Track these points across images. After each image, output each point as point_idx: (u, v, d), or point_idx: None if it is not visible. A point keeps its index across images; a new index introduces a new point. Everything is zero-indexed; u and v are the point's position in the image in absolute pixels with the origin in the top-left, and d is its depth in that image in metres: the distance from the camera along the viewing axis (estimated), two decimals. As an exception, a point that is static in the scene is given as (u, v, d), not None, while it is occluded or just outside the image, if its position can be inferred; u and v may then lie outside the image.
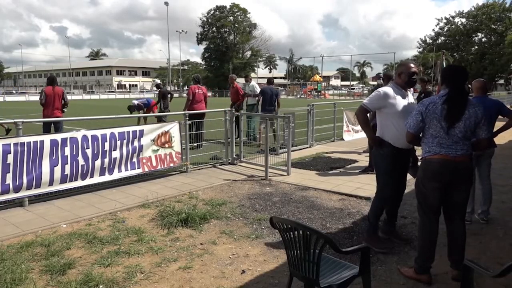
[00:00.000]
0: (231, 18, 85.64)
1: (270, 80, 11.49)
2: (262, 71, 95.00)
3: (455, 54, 67.65)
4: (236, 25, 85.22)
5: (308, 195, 5.77)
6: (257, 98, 10.72)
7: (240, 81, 13.61)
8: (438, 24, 71.34)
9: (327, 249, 2.42)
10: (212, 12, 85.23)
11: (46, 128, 9.09)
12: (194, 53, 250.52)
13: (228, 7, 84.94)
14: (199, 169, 7.48)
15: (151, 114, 13.96)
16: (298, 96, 60.20)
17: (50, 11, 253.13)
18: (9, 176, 4.95)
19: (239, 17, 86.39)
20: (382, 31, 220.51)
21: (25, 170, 5.09)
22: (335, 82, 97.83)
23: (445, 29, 70.56)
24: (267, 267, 3.52)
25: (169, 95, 13.15)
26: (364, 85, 75.55)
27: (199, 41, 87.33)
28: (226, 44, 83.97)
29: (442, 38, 71.08)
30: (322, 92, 61.17)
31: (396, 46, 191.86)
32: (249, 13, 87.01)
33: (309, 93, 60.75)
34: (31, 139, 5.18)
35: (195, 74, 12.21)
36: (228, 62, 78.91)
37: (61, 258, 3.61)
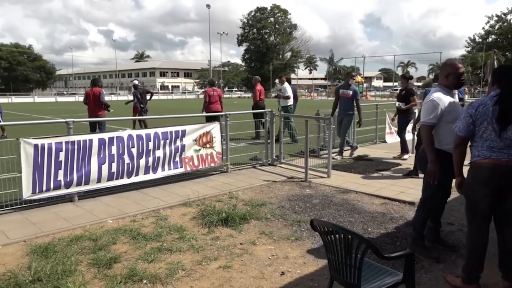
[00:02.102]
0: (272, 19, 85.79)
1: (288, 80, 11.85)
2: (302, 72, 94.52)
3: (507, 53, 64.13)
4: (277, 26, 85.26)
5: (349, 198, 5.68)
6: (288, 99, 11.11)
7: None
8: (488, 22, 67.98)
9: (369, 254, 2.37)
10: (252, 14, 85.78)
11: (92, 127, 9.60)
12: (234, 55, 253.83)
13: (268, 8, 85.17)
14: (239, 169, 7.55)
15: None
16: (339, 97, 59.25)
17: (97, 15, 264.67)
18: (60, 173, 5.22)
19: (280, 18, 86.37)
20: (427, 30, 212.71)
21: (75, 167, 5.34)
22: (377, 83, 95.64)
23: (496, 27, 67.09)
24: (306, 270, 3.50)
25: (148, 95, 13.12)
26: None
27: (240, 43, 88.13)
28: (267, 45, 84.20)
29: (493, 36, 67.64)
30: (364, 93, 59.99)
31: (442, 45, 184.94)
32: (289, 14, 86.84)
33: (350, 94, 59.72)
34: (81, 138, 5.44)
35: (210, 78, 12.89)
36: (268, 63, 79.10)
37: (107, 252, 3.76)
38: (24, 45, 79.82)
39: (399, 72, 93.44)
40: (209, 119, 8.94)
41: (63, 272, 3.29)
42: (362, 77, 67.46)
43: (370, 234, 4.31)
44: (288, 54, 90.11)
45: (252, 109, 11.72)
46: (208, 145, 6.99)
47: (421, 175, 5.10)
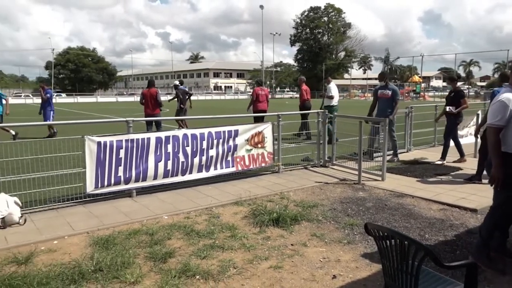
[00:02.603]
0: (325, 18, 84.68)
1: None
2: (356, 72, 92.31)
3: None
4: (330, 26, 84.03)
5: (404, 202, 5.47)
6: (332, 99, 11.23)
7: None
8: None
9: (427, 261, 2.27)
10: (306, 14, 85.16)
11: (148, 125, 10.10)
12: (286, 55, 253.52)
13: (322, 7, 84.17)
14: (290, 170, 7.53)
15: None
16: (394, 98, 57.31)
17: (156, 19, 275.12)
18: (120, 169, 5.49)
19: (334, 17, 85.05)
20: (493, 26, 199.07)
21: (134, 164, 5.60)
22: (436, 83, 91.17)
23: None
24: (359, 275, 3.42)
25: (187, 96, 13.13)
26: (470, 86, 69.23)
27: (292, 43, 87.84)
28: (320, 45, 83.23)
29: None
30: (421, 93, 57.49)
31: (510, 43, 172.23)
32: (343, 13, 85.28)
33: (406, 94, 57.51)
34: (139, 136, 5.69)
35: (257, 78, 13.22)
36: (321, 63, 78.13)
37: (162, 247, 3.90)
38: (89, 48, 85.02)
39: (461, 71, 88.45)
40: (256, 120, 9.34)
41: (122, 264, 3.46)
42: (419, 77, 64.69)
43: (428, 241, 4.12)
44: (342, 54, 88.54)
45: (300, 110, 11.81)
46: (259, 145, 7.04)
47: (485, 181, 4.80)
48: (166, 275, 3.31)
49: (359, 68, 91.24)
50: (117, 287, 3.15)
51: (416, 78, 63.27)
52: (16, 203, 4.62)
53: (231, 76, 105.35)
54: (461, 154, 8.12)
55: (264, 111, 11.04)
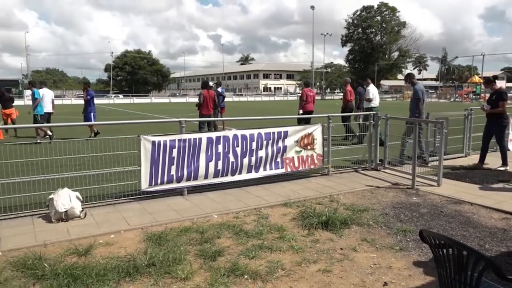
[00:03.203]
0: (378, 18, 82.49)
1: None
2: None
3: None
4: (384, 25, 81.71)
5: (462, 209, 5.19)
6: (370, 101, 11.20)
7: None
8: None
9: (487, 273, 2.13)
10: (358, 13, 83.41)
11: (202, 126, 10.42)
12: (337, 56, 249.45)
13: (375, 6, 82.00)
14: (340, 172, 7.40)
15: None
16: (452, 100, 54.63)
17: (207, 21, 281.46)
18: (173, 168, 5.67)
19: (387, 16, 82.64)
20: None
21: (186, 164, 5.76)
22: (499, 83, 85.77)
23: None
24: (412, 283, 3.29)
25: (220, 97, 13.34)
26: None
27: (344, 43, 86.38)
28: (372, 45, 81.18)
29: None
30: (482, 95, 54.24)
31: None
32: (398, 11, 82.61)
33: (465, 96, 54.56)
34: (191, 136, 5.85)
35: (305, 79, 13.42)
36: (373, 64, 76.17)
37: (212, 245, 3.97)
38: (144, 51, 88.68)
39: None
40: (301, 121, 9.81)
41: (174, 260, 3.57)
42: (480, 77, 61.06)
43: (488, 252, 3.88)
44: (395, 54, 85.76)
45: (342, 111, 11.95)
46: (309, 147, 6.98)
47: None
48: (216, 273, 3.37)
49: (414, 68, 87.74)
50: (168, 282, 3.26)
51: (476, 78, 59.80)
52: (77, 197, 4.91)
53: (280, 78, 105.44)
54: (504, 160, 7.65)
55: (311, 112, 11.40)
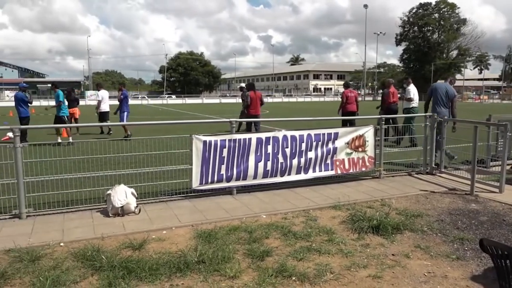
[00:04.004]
0: (436, 15, 78.94)
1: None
2: (470, 72, 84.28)
3: None
4: (442, 23, 78.09)
5: (527, 219, 4.83)
6: (411, 101, 11.00)
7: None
8: None
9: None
10: (414, 11, 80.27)
11: (249, 126, 10.57)
12: (391, 55, 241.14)
13: (433, 3, 78.53)
14: (392, 176, 7.16)
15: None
16: (517, 101, 51.11)
17: (258, 23, 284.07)
18: (223, 168, 5.76)
19: (446, 13, 78.86)
20: None
21: (236, 163, 5.83)
22: None
23: None
24: (470, 295, 3.11)
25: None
26: None
27: (398, 42, 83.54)
28: (429, 43, 77.85)
29: None
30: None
31: None
32: (457, 8, 78.51)
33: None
34: (242, 136, 5.91)
35: (345, 81, 13.30)
36: (430, 63, 72.96)
37: (260, 245, 3.99)
38: (197, 53, 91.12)
39: None
40: (345, 123, 9.97)
41: (222, 258, 3.62)
42: (550, 76, 56.61)
43: (557, 265, 3.58)
44: (454, 53, 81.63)
45: (384, 112, 11.67)
46: (360, 149, 6.82)
47: None
48: (264, 273, 3.38)
49: (474, 68, 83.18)
50: (217, 279, 3.31)
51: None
52: (133, 194, 5.12)
53: (331, 78, 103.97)
54: None
55: (354, 113, 11.43)
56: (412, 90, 11.21)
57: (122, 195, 4.99)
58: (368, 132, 6.85)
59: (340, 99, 12.45)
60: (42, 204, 5.13)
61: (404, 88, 11.95)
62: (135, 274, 3.33)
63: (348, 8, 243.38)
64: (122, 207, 4.93)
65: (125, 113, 13.13)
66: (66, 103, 12.71)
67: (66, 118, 12.36)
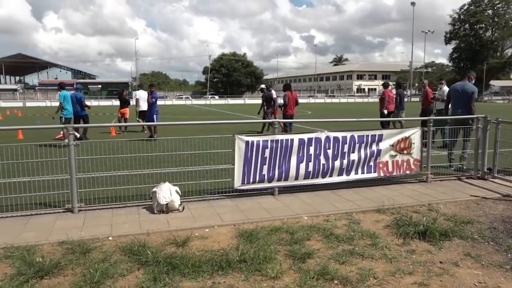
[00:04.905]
0: (490, 11, 74.93)
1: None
2: (527, 72, 79.35)
3: None
4: (496, 19, 74.00)
5: None
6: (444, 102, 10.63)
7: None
8: None
9: None
10: (465, 7, 76.71)
11: (284, 126, 10.72)
12: (439, 54, 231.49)
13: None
14: (440, 180, 6.88)
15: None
16: None
17: (300, 23, 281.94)
18: (265, 168, 5.78)
19: (501, 9, 74.68)
20: None
21: (277, 164, 5.83)
22: None
23: None
24: (525, 308, 2.93)
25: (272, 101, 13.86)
26: None
27: (447, 41, 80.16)
28: (481, 42, 74.08)
29: None
30: None
31: None
32: (514, 3, 74.01)
33: None
34: (284, 137, 5.90)
35: (385, 81, 13.34)
36: (482, 63, 69.44)
37: (302, 247, 3.96)
38: (239, 54, 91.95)
39: None
40: (384, 124, 10.27)
41: (264, 258, 3.63)
42: None
43: None
44: (509, 51, 77.16)
45: (421, 114, 11.73)
46: (405, 151, 6.61)
47: None
48: (305, 275, 3.35)
49: (532, 67, 78.14)
50: (258, 279, 3.32)
51: None
52: (177, 192, 5.26)
53: (375, 78, 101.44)
54: None
55: (391, 113, 11.83)
56: (447, 91, 10.87)
57: (167, 192, 5.13)
58: (414, 134, 6.62)
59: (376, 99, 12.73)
60: (92, 199, 5.39)
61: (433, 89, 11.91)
62: (179, 270, 3.42)
63: (393, 6, 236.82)
64: (166, 204, 5.07)
65: (155, 115, 13.13)
66: (69, 107, 11.79)
67: (64, 120, 11.52)
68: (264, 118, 13.76)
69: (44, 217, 4.91)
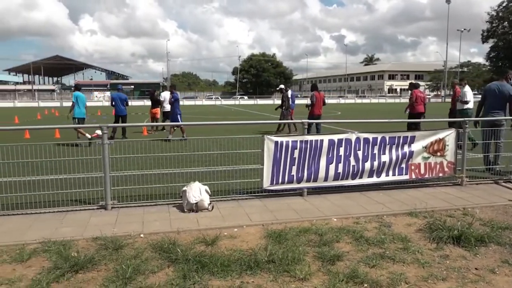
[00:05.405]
0: (531, 7, 71.58)
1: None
2: None
3: None
4: (538, 16, 70.66)
5: None
6: (465, 104, 10.60)
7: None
8: None
9: None
10: (504, 4, 73.64)
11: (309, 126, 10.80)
12: (475, 53, 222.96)
13: (527, -5, 71.39)
14: (476, 183, 6.64)
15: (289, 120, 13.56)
16: None
17: (331, 22, 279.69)
18: (294, 169, 5.76)
19: (542, 6, 71.21)
20: None
21: (307, 165, 5.79)
22: None
23: None
24: None
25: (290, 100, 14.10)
26: None
27: (484, 39, 77.14)
28: (521, 40, 70.83)
29: None
30: None
31: None
32: (558, -1, 70.52)
33: None
34: (313, 137, 5.86)
35: (413, 81, 12.95)
36: (522, 62, 66.45)
37: (331, 249, 3.92)
38: (269, 54, 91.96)
39: None
40: (410, 126, 9.96)
41: (292, 259, 3.62)
42: None
43: None
44: (551, 50, 73.44)
45: (450, 115, 11.54)
46: (439, 153, 6.43)
47: None
48: (334, 278, 3.32)
49: None
50: (287, 280, 3.31)
51: None
52: (206, 191, 5.32)
53: (408, 78, 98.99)
54: None
55: (422, 114, 11.31)
56: (469, 93, 10.76)
57: (197, 192, 5.19)
58: (449, 136, 6.43)
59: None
60: (125, 197, 5.53)
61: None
62: (208, 269, 3.45)
63: (427, 4, 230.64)
64: (196, 203, 5.14)
65: (179, 115, 13.14)
66: (81, 107, 11.92)
67: (77, 121, 11.78)
68: (281, 118, 13.96)
69: (80, 214, 5.09)
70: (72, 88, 13.14)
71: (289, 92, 14.56)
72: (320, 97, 12.25)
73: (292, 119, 13.89)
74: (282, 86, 15.08)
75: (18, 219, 4.88)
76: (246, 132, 6.21)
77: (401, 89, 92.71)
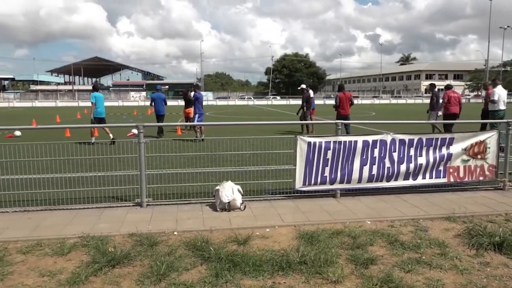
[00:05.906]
0: None
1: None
2: None
3: None
4: None
5: None
6: (494, 103, 10.42)
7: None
8: None
9: None
10: (551, 0, 69.86)
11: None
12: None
13: None
14: (519, 188, 6.34)
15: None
16: None
17: (365, 21, 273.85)
18: (327, 170, 5.70)
19: None
20: None
21: (340, 166, 5.72)
22: None
23: None
24: None
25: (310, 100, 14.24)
26: None
27: (530, 37, 73.52)
28: None
29: None
30: None
31: None
32: None
33: None
34: (347, 138, 5.78)
35: (449, 83, 12.79)
36: None
37: (364, 252, 3.85)
38: (302, 54, 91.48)
39: None
40: (447, 118, 10.37)
41: (325, 261, 3.58)
42: None
43: None
44: None
45: (482, 116, 11.23)
46: (479, 156, 6.18)
47: None
48: (367, 281, 3.26)
49: None
50: (319, 282, 3.28)
51: None
52: (239, 190, 5.35)
53: (446, 78, 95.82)
54: None
55: (456, 115, 11.25)
56: (498, 92, 10.39)
57: (229, 191, 5.24)
58: (490, 138, 6.17)
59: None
60: (159, 195, 5.65)
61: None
62: (240, 268, 3.47)
63: (467, 1, 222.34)
64: (229, 202, 5.18)
65: (197, 115, 13.07)
66: (100, 107, 12.21)
67: (97, 120, 12.00)
68: (302, 119, 14.04)
69: (116, 210, 5.24)
70: (92, 89, 13.27)
71: (310, 92, 14.82)
72: (345, 97, 12.16)
73: (311, 120, 14.08)
74: (303, 86, 15.03)
75: (60, 213, 5.09)
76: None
77: (439, 89, 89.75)
